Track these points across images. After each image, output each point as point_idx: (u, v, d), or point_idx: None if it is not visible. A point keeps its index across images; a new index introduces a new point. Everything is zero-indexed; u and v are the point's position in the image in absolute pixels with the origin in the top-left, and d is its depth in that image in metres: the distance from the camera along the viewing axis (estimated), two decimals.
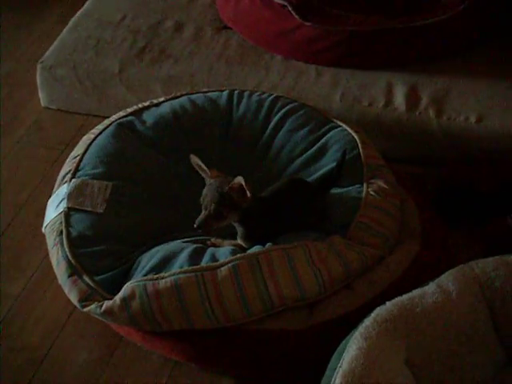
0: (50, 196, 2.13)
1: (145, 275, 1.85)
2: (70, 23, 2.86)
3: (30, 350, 2.02)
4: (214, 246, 1.97)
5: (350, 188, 2.07)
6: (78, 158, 2.15)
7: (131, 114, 2.28)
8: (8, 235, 2.33)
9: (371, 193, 2.02)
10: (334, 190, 2.08)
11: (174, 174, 2.18)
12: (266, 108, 2.28)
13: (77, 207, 2.03)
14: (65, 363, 1.99)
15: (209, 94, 2.35)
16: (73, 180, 2.09)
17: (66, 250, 1.95)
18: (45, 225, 2.07)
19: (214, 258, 1.85)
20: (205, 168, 1.90)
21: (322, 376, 1.58)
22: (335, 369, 1.52)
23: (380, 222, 1.97)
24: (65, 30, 2.84)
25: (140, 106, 2.32)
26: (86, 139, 2.22)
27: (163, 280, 1.81)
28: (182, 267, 1.83)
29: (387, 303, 1.64)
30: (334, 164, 2.10)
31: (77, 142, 2.25)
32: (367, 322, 1.59)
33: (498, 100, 2.43)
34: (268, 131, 2.25)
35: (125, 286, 1.85)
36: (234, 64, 2.64)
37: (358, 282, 1.88)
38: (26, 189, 2.48)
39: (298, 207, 1.97)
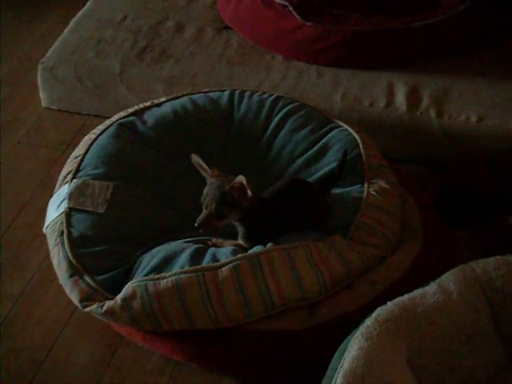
0: (50, 196, 2.13)
1: (146, 275, 1.85)
2: (71, 23, 2.87)
3: (31, 350, 2.03)
4: (215, 246, 1.97)
5: (351, 188, 2.07)
6: (79, 158, 2.15)
7: (132, 114, 2.29)
8: (9, 235, 2.33)
9: (372, 193, 2.02)
10: (335, 190, 2.08)
11: (174, 175, 2.18)
12: (266, 108, 2.28)
13: (78, 207, 2.03)
14: (66, 363, 1.99)
15: (210, 94, 2.35)
16: (74, 180, 2.09)
17: (67, 250, 1.95)
18: (46, 225, 2.07)
19: (215, 258, 1.85)
20: (206, 167, 1.90)
21: (323, 376, 1.58)
22: (336, 369, 1.52)
23: (381, 222, 1.97)
24: (66, 30, 2.84)
25: (141, 106, 2.32)
26: (86, 139, 2.22)
27: (164, 280, 1.81)
28: (183, 267, 1.83)
29: (388, 303, 1.64)
30: (335, 164, 2.10)
31: (78, 143, 2.25)
32: (368, 321, 1.59)
33: (499, 100, 2.43)
34: (269, 131, 2.25)
35: (126, 286, 1.85)
36: (234, 64, 2.64)
37: (359, 282, 1.88)
38: (26, 189, 2.48)
39: (299, 207, 1.96)
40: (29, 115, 2.77)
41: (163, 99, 2.34)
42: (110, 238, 1.98)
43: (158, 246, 1.97)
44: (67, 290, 1.93)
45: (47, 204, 2.12)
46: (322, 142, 2.19)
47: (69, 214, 2.02)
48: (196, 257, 1.87)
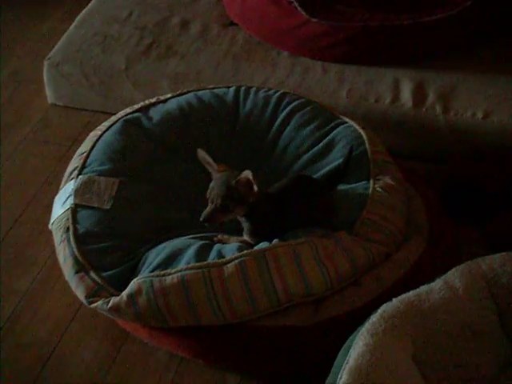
0: (56, 192, 2.13)
1: (151, 271, 1.86)
2: (77, 20, 2.87)
3: (36, 346, 2.03)
4: (221, 242, 1.97)
5: (357, 184, 2.07)
6: (85, 154, 2.15)
7: (138, 110, 2.29)
8: (15, 231, 2.33)
9: (378, 189, 2.02)
10: (341, 187, 2.07)
11: (180, 171, 2.18)
12: (272, 104, 2.28)
13: (84, 204, 2.03)
14: (71, 359, 2.00)
15: (215, 90, 2.35)
16: (80, 176, 2.09)
17: (73, 246, 1.95)
18: (52, 221, 2.07)
19: (220, 255, 1.85)
20: (212, 162, 1.89)
21: (329, 372, 1.58)
22: (342, 365, 1.52)
23: (387, 218, 1.97)
24: (71, 26, 2.84)
25: (147, 102, 2.32)
26: (92, 136, 2.22)
27: (170, 276, 1.81)
28: (188, 263, 1.83)
29: (394, 300, 1.64)
30: (341, 160, 2.10)
31: (83, 139, 2.25)
32: (374, 318, 1.59)
33: (505, 96, 2.43)
34: (275, 127, 2.25)
35: (131, 282, 1.85)
36: (240, 60, 2.64)
37: (365, 278, 1.88)
38: (32, 185, 2.48)
39: (305, 203, 1.96)
40: (35, 112, 2.78)
41: (169, 95, 2.34)
42: (115, 235, 1.99)
43: (163, 243, 1.97)
44: (73, 286, 1.93)
45: (53, 200, 2.12)
46: (327, 138, 2.19)
47: (75, 210, 2.02)
48: (202, 253, 1.87)
